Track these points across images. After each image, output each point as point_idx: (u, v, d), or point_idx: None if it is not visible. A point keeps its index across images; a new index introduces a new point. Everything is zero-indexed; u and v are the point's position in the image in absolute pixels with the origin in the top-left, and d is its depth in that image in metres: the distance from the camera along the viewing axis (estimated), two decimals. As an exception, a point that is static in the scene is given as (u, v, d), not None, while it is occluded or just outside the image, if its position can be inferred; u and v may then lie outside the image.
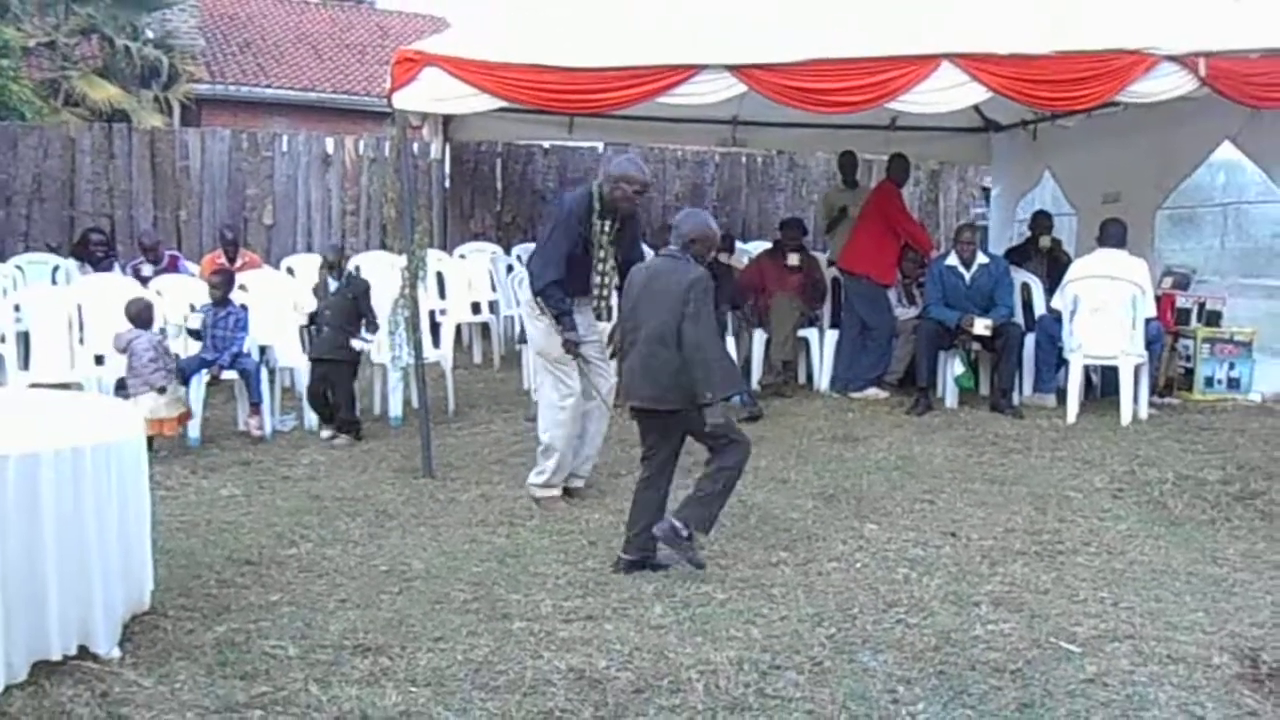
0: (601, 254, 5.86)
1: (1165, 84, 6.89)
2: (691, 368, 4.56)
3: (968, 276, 8.37)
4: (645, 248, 10.66)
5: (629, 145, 12.72)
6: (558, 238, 5.78)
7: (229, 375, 7.57)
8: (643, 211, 12.98)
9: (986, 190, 12.50)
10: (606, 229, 5.82)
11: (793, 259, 9.11)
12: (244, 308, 7.78)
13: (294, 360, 8.25)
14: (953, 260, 8.46)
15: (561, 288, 5.75)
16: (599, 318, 6.08)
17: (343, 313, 7.51)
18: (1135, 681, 3.75)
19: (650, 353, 4.71)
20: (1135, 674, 3.81)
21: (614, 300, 6.21)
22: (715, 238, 4.87)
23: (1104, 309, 7.85)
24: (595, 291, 5.93)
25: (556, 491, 5.97)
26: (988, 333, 8.09)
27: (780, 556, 5.04)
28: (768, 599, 4.50)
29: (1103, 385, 8.51)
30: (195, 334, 7.65)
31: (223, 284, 7.75)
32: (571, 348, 5.78)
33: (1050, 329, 8.33)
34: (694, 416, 4.65)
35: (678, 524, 4.67)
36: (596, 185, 5.84)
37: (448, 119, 9.74)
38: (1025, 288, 8.86)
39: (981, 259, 8.46)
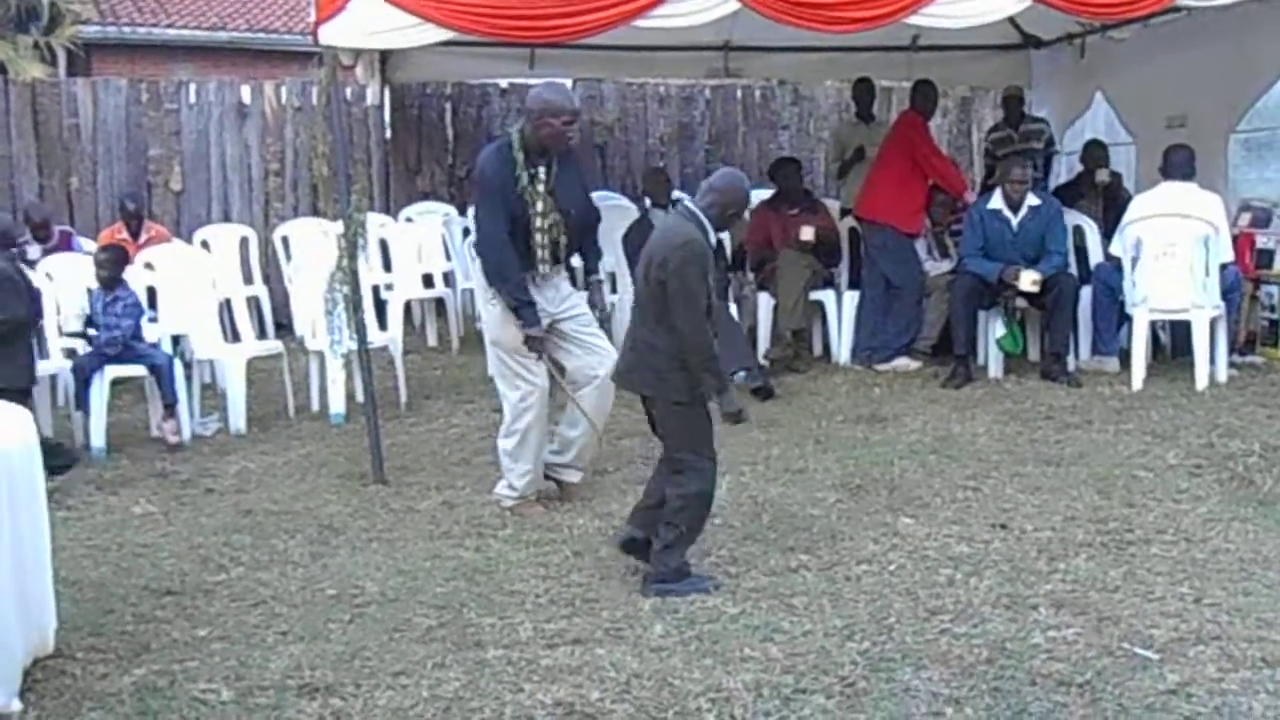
0: (540, 208, 5.71)
1: (1236, -18, 6.89)
2: (689, 363, 4.64)
3: (1015, 222, 8.33)
4: (623, 199, 10.74)
5: (602, 81, 12.66)
6: (490, 209, 5.72)
7: (135, 372, 7.50)
8: (620, 157, 13.19)
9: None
10: (541, 177, 5.69)
11: (805, 232, 8.82)
12: (149, 291, 7.68)
13: (214, 351, 8.21)
14: (997, 203, 8.42)
15: (517, 269, 5.67)
16: (574, 284, 6.05)
17: None
18: (1224, 690, 3.76)
19: (632, 325, 4.84)
20: (1224, 681, 3.82)
21: (575, 261, 6.19)
22: (740, 197, 4.92)
23: (1171, 254, 7.86)
24: (539, 254, 5.75)
25: (531, 496, 5.94)
26: (1036, 289, 8.05)
27: (800, 560, 5.04)
28: (788, 611, 4.51)
29: (1173, 344, 8.54)
30: (82, 335, 7.49)
31: (111, 262, 7.48)
32: (536, 345, 5.70)
33: (1109, 280, 8.33)
34: (660, 407, 4.77)
35: (648, 596, 4.65)
36: (516, 131, 5.74)
37: (385, 56, 9.67)
38: (1078, 232, 8.86)
39: (1032, 200, 8.41)
